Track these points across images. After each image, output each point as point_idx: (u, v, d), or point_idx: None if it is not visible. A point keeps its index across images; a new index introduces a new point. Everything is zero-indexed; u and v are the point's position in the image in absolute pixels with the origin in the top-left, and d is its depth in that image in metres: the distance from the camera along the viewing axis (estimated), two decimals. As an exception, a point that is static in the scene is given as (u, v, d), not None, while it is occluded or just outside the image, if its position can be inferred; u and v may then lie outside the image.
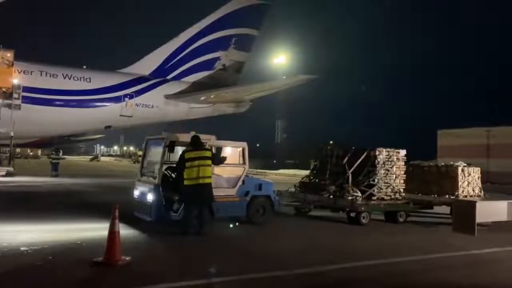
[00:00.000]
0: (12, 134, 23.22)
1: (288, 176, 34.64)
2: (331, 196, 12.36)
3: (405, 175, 12.82)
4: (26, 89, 23.76)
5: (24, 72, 24.35)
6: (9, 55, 23.50)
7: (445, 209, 13.01)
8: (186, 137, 9.88)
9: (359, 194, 11.99)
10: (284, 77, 33.32)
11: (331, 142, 22.04)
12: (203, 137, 10.14)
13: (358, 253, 8.36)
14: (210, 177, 9.33)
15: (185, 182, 9.19)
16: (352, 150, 12.93)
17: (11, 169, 22.75)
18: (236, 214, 10.71)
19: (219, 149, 10.80)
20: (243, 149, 10.94)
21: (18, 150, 43.02)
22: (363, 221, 11.69)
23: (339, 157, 13.04)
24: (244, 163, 10.88)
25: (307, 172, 15.32)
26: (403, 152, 12.90)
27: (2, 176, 21.88)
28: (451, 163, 13.79)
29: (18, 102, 23.09)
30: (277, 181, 14.86)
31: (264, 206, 11.02)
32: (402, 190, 12.69)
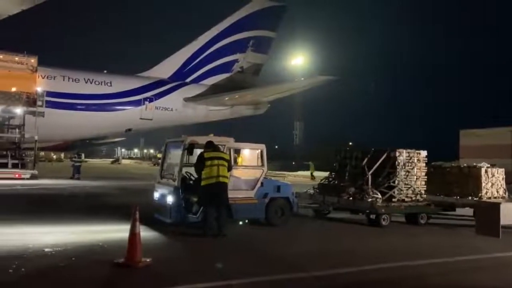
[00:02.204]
0: (36, 138, 23.83)
1: (307, 178, 34.52)
2: (351, 198, 12.25)
3: (426, 177, 12.60)
4: (50, 94, 24.39)
5: (47, 77, 25.02)
6: (33, 61, 24.16)
7: (468, 211, 12.73)
8: (205, 140, 9.96)
9: (379, 196, 11.85)
10: (302, 79, 33.22)
11: (350, 143, 21.87)
12: (221, 139, 10.21)
13: (378, 255, 8.26)
14: (227, 177, 9.38)
15: (202, 183, 9.26)
16: (372, 152, 12.79)
17: (35, 172, 23.30)
18: (255, 216, 10.73)
19: (237, 151, 10.86)
20: (261, 151, 10.95)
21: (42, 153, 44.15)
22: (383, 223, 11.54)
23: (358, 158, 12.93)
24: (262, 165, 10.89)
25: (326, 173, 15.23)
26: (424, 153, 12.69)
27: (27, 179, 22.42)
28: (474, 164, 13.50)
29: (42, 109, 23.74)
30: (295, 183, 14.85)
31: (282, 208, 11.00)
32: (423, 192, 12.49)
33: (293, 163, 41.22)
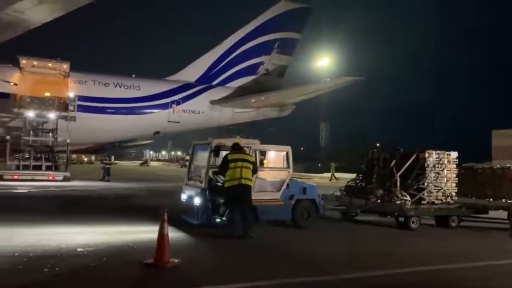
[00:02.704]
0: (68, 141, 24.64)
1: (333, 180, 34.21)
2: (379, 200, 12.07)
3: (457, 178, 12.28)
4: (81, 98, 25.17)
5: (79, 82, 25.84)
6: (65, 66, 25.02)
7: (502, 214, 12.30)
8: (231, 142, 10.04)
9: (408, 198, 11.63)
10: (328, 79, 32.95)
11: (377, 144, 21.50)
12: (247, 141, 10.26)
13: (407, 259, 8.11)
14: (250, 179, 9.41)
15: (226, 184, 9.36)
16: (400, 153, 12.57)
17: (67, 174, 24.05)
18: (281, 217, 10.73)
19: (263, 153, 10.88)
20: (287, 153, 10.94)
21: (74, 156, 45.48)
22: (413, 226, 11.31)
23: (386, 160, 12.72)
24: (288, 167, 10.87)
25: (349, 175, 15.06)
26: (454, 154, 12.37)
27: (60, 180, 23.16)
28: (508, 165, 13.04)
29: (74, 114, 24.57)
30: (321, 185, 14.75)
31: (309, 210, 10.95)
32: (454, 194, 12.17)
33: (319, 164, 40.89)
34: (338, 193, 13.68)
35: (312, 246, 9.16)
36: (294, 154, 11.19)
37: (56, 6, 11.21)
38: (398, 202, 11.54)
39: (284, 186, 10.69)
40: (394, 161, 12.37)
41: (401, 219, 11.54)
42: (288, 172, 10.86)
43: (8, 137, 23.39)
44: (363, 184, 13.25)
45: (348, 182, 14.21)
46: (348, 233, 11.10)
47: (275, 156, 11.11)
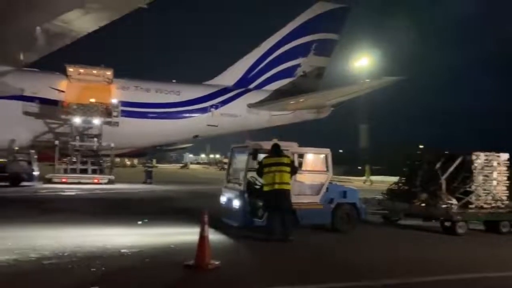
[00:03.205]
0: (112, 145, 25.59)
1: (376, 183, 33.39)
2: (423, 204, 11.65)
3: (508, 182, 11.64)
4: (124, 103, 26.09)
5: (121, 88, 26.79)
6: (109, 73, 26.02)
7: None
8: (268, 145, 10.04)
9: (455, 202, 11.15)
10: (367, 80, 32.25)
11: (421, 146, 20.79)
12: (285, 144, 10.21)
13: (452, 265, 7.77)
14: (288, 183, 9.35)
15: (264, 188, 9.39)
16: (446, 155, 12.08)
17: (112, 177, 24.95)
18: (320, 221, 10.60)
19: (301, 156, 10.80)
20: (327, 156, 10.79)
21: (117, 159, 47.14)
22: (460, 231, 10.84)
23: (431, 162, 12.27)
24: (327, 170, 10.72)
25: (395, 178, 14.64)
26: (504, 156, 11.76)
27: (104, 183, 24.06)
28: None
29: (117, 120, 25.51)
30: (362, 188, 14.45)
31: (349, 214, 10.74)
32: (505, 198, 11.54)
33: (359, 167, 40.06)
34: (380, 197, 13.33)
35: (353, 250, 8.98)
36: (334, 157, 11.01)
37: (100, 16, 11.67)
38: (444, 206, 11.09)
39: (324, 190, 10.55)
40: (439, 164, 11.90)
41: (447, 223, 11.08)
42: (328, 175, 10.70)
43: (56, 142, 24.61)
44: (406, 187, 12.84)
45: (390, 185, 13.82)
46: (391, 238, 10.79)
47: (314, 159, 10.99)
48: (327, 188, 10.60)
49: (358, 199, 11.12)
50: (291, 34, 30.41)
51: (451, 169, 11.64)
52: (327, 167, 10.74)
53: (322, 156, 10.88)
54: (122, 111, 25.87)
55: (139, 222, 10.87)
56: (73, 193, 18.96)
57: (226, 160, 24.90)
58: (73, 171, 24.73)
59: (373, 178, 38.14)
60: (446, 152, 12.25)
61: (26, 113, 24.53)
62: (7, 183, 20.83)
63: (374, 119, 53.40)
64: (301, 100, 29.10)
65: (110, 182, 24.34)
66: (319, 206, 10.41)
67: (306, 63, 30.94)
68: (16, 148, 23.81)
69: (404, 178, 13.37)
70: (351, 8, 32.01)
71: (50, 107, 24.92)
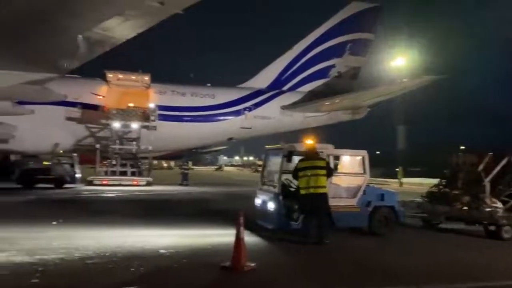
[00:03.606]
0: (150, 148, 26.29)
1: (414, 185, 32.45)
2: (465, 208, 11.20)
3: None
4: (161, 107, 26.74)
5: (159, 92, 27.49)
6: (146, 78, 26.76)
7: None
8: (303, 147, 9.97)
9: (500, 205, 10.65)
10: (405, 80, 31.42)
11: (462, 147, 20.02)
12: (320, 146, 10.11)
13: (498, 271, 7.45)
14: (324, 186, 9.25)
15: (301, 191, 9.33)
16: (489, 156, 11.57)
17: (150, 179, 25.61)
18: (357, 224, 10.42)
19: (337, 158, 10.66)
20: (363, 158, 10.59)
21: (155, 162, 48.31)
22: (505, 235, 10.36)
23: (474, 164, 11.79)
24: (364, 172, 10.52)
25: (435, 180, 14.17)
26: (554, 156, 11.10)
27: (143, 185, 24.71)
28: None
29: (155, 124, 26.18)
30: (400, 191, 14.08)
31: (387, 217, 10.49)
32: (555, 201, 10.91)
33: (397, 169, 38.98)
34: (419, 200, 12.93)
35: (391, 254, 8.76)
36: (370, 159, 10.79)
37: (138, 22, 12.01)
38: (488, 209, 10.62)
39: (361, 192, 10.36)
40: (482, 165, 11.41)
41: (492, 227, 10.60)
42: (365, 177, 10.51)
43: (97, 146, 25.55)
44: (448, 190, 12.38)
45: (430, 187, 13.38)
46: (431, 242, 10.45)
47: (351, 161, 10.82)
48: (364, 191, 10.41)
49: (397, 202, 10.84)
50: (325, 35, 30.13)
51: (496, 170, 11.13)
52: (364, 169, 10.54)
53: (359, 158, 10.69)
54: (159, 115, 26.54)
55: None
56: (113, 195, 19.60)
57: (260, 162, 24.97)
58: (113, 173, 25.59)
59: (411, 180, 37.08)
60: (489, 153, 11.73)
61: (69, 118, 25.61)
62: (51, 185, 21.80)
63: (412, 119, 51.95)
64: (336, 101, 28.74)
65: (148, 184, 25.00)
66: (356, 209, 10.24)
67: (341, 63, 30.54)
68: (60, 151, 24.90)
69: (444, 180, 12.91)
70: (384, 7, 31.36)
71: (91, 112, 25.91)
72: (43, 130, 24.48)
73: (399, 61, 43.49)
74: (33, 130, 23.84)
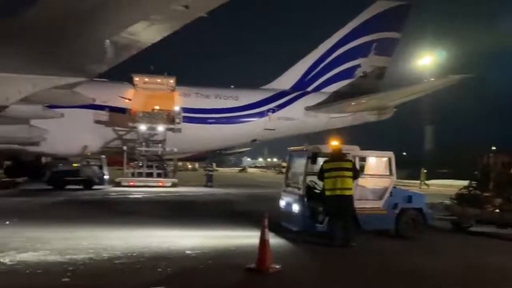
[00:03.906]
0: (175, 150, 26.66)
1: (442, 187, 31.68)
2: (497, 210, 10.84)
3: None
4: (185, 110, 27.08)
5: (183, 95, 27.86)
6: (171, 81, 27.18)
7: None
8: (328, 148, 9.88)
9: (534, 208, 10.25)
10: (432, 79, 30.72)
11: (493, 147, 19.40)
12: (346, 147, 9.99)
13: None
14: (350, 188, 9.13)
15: (326, 193, 9.25)
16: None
17: (175, 180, 25.96)
18: (384, 227, 10.24)
19: (362, 159, 10.51)
20: (390, 159, 10.41)
21: (180, 163, 48.95)
22: (540, 239, 9.94)
23: (506, 165, 11.40)
24: (391, 173, 10.34)
25: (464, 182, 13.77)
26: None
27: (168, 186, 25.06)
28: None
29: (179, 126, 26.57)
30: (428, 193, 13.77)
31: (414, 220, 10.27)
32: None
33: (425, 171, 38.13)
34: (448, 202, 12.60)
35: (419, 257, 8.56)
36: (397, 160, 10.59)
37: (164, 26, 12.21)
38: (522, 212, 10.24)
39: (387, 194, 10.18)
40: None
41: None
42: (391, 179, 10.32)
43: (125, 148, 26.09)
44: (478, 192, 12.02)
45: (460, 189, 13.01)
46: (460, 245, 10.18)
47: (377, 163, 10.64)
48: (390, 193, 10.22)
49: (425, 204, 10.60)
50: (350, 34, 29.81)
51: (529, 172, 10.73)
52: (390, 170, 10.36)
53: (385, 159, 10.51)
54: (184, 117, 26.89)
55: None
56: (140, 196, 19.96)
57: (284, 164, 24.90)
58: (140, 174, 26.05)
59: (439, 182, 36.23)
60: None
61: (97, 121, 26.28)
62: (80, 186, 22.39)
63: (439, 119, 50.73)
64: (362, 101, 28.35)
65: (173, 185, 25.35)
66: (383, 211, 10.06)
67: (366, 63, 30.14)
68: (88, 153, 25.56)
69: (475, 182, 12.53)
70: (412, 5, 30.70)
71: (118, 115, 26.52)
72: (72, 133, 25.21)
73: (426, 60, 42.49)
74: (63, 133, 24.57)
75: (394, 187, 10.46)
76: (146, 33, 12.78)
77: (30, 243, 8.36)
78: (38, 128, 23.53)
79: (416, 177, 35.96)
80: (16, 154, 26.58)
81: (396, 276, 7.09)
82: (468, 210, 11.60)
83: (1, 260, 6.99)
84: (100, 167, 23.72)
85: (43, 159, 28.74)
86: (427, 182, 35.26)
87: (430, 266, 7.81)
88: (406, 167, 38.05)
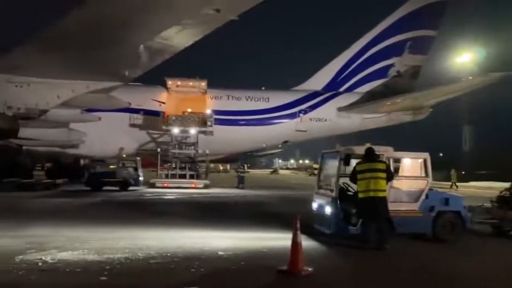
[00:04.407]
0: (207, 152, 27.01)
1: (481, 189, 30.48)
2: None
3: None
4: (217, 112, 27.39)
5: (215, 98, 28.21)
6: (203, 84, 27.56)
7: None
8: (361, 150, 9.72)
9: None
10: (470, 78, 29.63)
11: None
12: (380, 149, 9.79)
13: None
14: (384, 190, 8.95)
15: (359, 195, 9.10)
16: None
17: (207, 182, 26.28)
18: (420, 230, 9.95)
19: (397, 161, 10.27)
20: (425, 160, 10.12)
21: (211, 165, 49.50)
22: None
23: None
24: (426, 175, 10.05)
25: (505, 184, 13.18)
26: None
27: (201, 188, 25.40)
28: None
29: (211, 129, 26.90)
30: (467, 195, 13.27)
31: (452, 223, 9.93)
32: None
33: (463, 172, 36.83)
34: (488, 205, 12.09)
35: (456, 262, 8.27)
36: (433, 161, 10.28)
37: (195, 30, 12.45)
38: None
39: (423, 197, 9.90)
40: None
41: None
42: (427, 181, 10.03)
43: (158, 150, 26.69)
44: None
45: (501, 192, 12.47)
46: (500, 249, 9.77)
47: (412, 164, 10.38)
48: (426, 195, 9.93)
49: (463, 207, 10.23)
50: (383, 33, 29.23)
51: None
52: (426, 172, 10.07)
53: (420, 160, 10.23)
54: (216, 119, 27.20)
55: None
56: (173, 197, 20.33)
57: (316, 166, 24.69)
58: (173, 176, 26.56)
59: (477, 184, 34.90)
60: None
61: (133, 125, 27.03)
62: (117, 188, 23.06)
63: (477, 119, 48.80)
64: (397, 101, 27.71)
65: (205, 186, 25.66)
66: (418, 214, 9.79)
67: (401, 62, 29.45)
68: (124, 155, 26.32)
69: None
70: (449, 2, 29.71)
71: (152, 118, 27.20)
72: (109, 136, 26.05)
73: (464, 58, 40.94)
74: (101, 136, 25.43)
75: (431, 189, 10.16)
76: (179, 37, 13.06)
77: (69, 242, 8.68)
78: (77, 131, 24.46)
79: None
80: (56, 157, 27.71)
81: (430, 279, 6.89)
82: (510, 213, 11.11)
83: (43, 258, 7.30)
84: (135, 169, 24.36)
85: (82, 161, 29.83)
86: (457, 183, 34.14)
87: (466, 270, 7.55)
88: (442, 168, 36.88)
